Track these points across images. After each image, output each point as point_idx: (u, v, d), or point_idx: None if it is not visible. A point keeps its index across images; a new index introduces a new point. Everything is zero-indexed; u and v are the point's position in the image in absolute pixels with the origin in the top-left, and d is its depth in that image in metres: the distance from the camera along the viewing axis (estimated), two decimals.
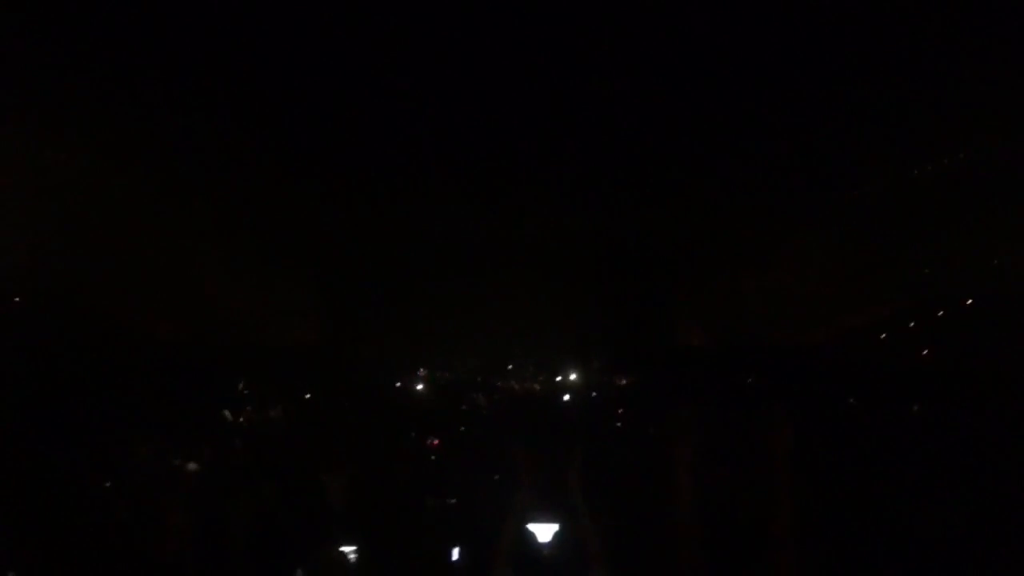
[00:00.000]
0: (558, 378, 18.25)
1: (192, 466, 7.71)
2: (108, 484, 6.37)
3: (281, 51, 10.48)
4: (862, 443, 8.29)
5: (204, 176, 14.81)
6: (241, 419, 11.65)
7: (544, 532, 3.77)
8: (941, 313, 14.99)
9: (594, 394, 16.39)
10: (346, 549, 3.73)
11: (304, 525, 4.66)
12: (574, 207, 17.60)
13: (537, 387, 17.73)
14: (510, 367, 19.45)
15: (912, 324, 15.50)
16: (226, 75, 10.69)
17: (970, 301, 14.47)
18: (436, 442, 7.50)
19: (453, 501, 5.37)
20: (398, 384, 18.19)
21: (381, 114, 12.20)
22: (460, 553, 3.65)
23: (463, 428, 11.09)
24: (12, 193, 11.95)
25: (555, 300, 19.96)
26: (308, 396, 15.54)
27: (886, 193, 15.33)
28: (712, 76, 10.92)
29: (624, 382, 17.43)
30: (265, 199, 16.41)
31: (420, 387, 17.91)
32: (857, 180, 15.44)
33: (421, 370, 18.73)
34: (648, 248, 19.10)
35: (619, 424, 12.03)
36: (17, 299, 12.34)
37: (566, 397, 16.42)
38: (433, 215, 18.59)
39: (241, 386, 14.40)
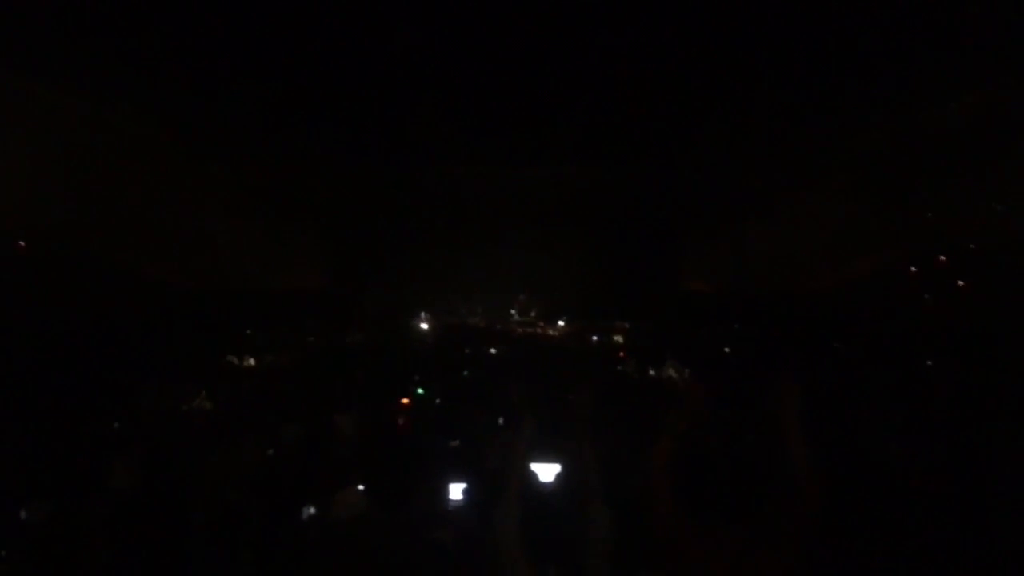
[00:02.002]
0: (561, 322, 18.36)
1: (202, 408, 7.86)
2: (117, 425, 6.51)
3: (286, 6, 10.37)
4: (863, 388, 8.37)
5: (209, 124, 14.74)
6: (251, 362, 11.80)
7: (547, 472, 3.88)
8: (943, 258, 15.00)
9: (595, 338, 16.53)
10: (355, 488, 3.82)
11: (313, 465, 4.76)
12: (578, 153, 17.52)
13: (539, 331, 17.85)
14: (513, 312, 19.54)
15: (914, 270, 15.52)
16: (227, 21, 10.55)
17: (972, 246, 14.47)
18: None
19: (456, 443, 5.46)
20: (401, 328, 18.35)
21: (383, 58, 12.07)
22: (464, 492, 3.75)
23: (466, 372, 11.22)
24: (17, 140, 11.93)
25: (558, 246, 19.99)
26: (312, 339, 15.71)
27: (888, 140, 15.23)
28: (716, 22, 10.77)
29: (626, 326, 17.54)
30: (269, 145, 16.35)
31: (424, 329, 18.07)
32: (860, 128, 15.33)
33: (424, 314, 18.83)
34: (651, 196, 19.05)
35: (620, 367, 12.16)
36: (23, 243, 12.39)
37: (568, 341, 16.58)
38: (438, 161, 18.52)
39: (249, 332, 14.54)
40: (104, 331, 11.76)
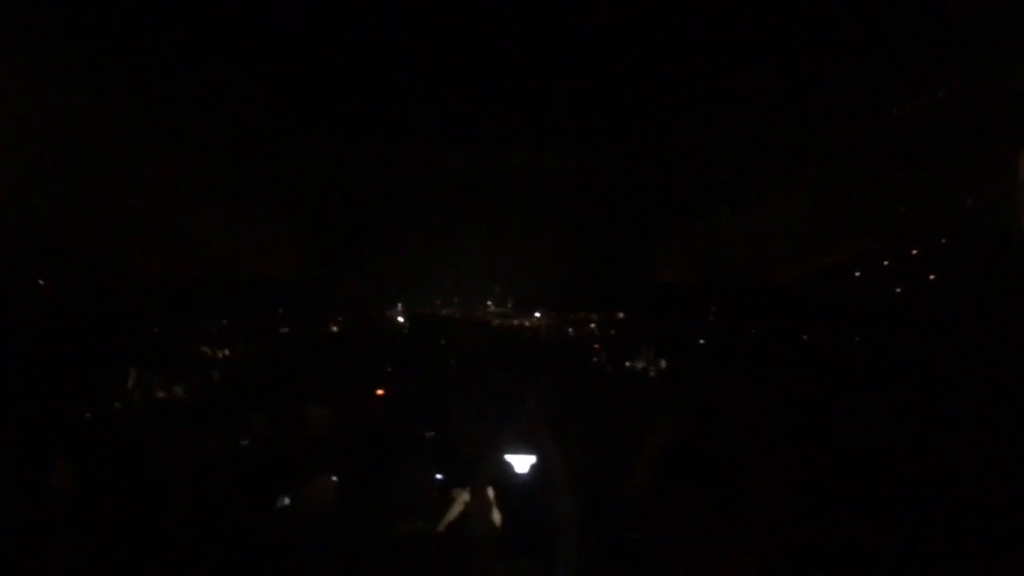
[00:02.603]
0: (537, 314, 18.41)
1: (175, 397, 7.82)
2: (88, 415, 6.46)
3: None
4: (835, 379, 8.48)
5: (181, 109, 14.57)
6: (224, 352, 11.73)
7: (521, 463, 3.89)
8: (915, 252, 15.16)
9: (570, 330, 16.60)
10: (328, 478, 3.82)
11: (286, 455, 4.75)
12: (553, 143, 17.53)
13: (515, 323, 17.89)
14: (489, 304, 19.56)
15: (886, 263, 15.68)
16: (199, 4, 10.42)
17: (944, 240, 14.65)
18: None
19: (432, 434, 5.47)
20: (376, 319, 18.31)
21: (358, 45, 11.98)
22: (440, 482, 3.76)
23: (442, 363, 11.22)
24: None
25: (534, 237, 20.04)
26: (286, 330, 15.63)
27: (861, 132, 15.36)
28: (689, 13, 10.79)
29: (600, 318, 17.63)
30: (244, 133, 16.21)
31: (399, 320, 18.05)
32: (832, 119, 15.44)
33: (399, 305, 18.81)
34: (625, 187, 19.13)
35: (595, 359, 12.23)
36: None
37: (543, 333, 16.62)
38: (413, 150, 18.45)
39: (225, 322, 14.44)
40: (74, 320, 11.63)
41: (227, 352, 11.93)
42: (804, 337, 13.14)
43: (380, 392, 7.55)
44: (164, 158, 15.73)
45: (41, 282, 12.52)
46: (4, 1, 9.88)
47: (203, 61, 12.59)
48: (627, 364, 11.30)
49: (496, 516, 3.24)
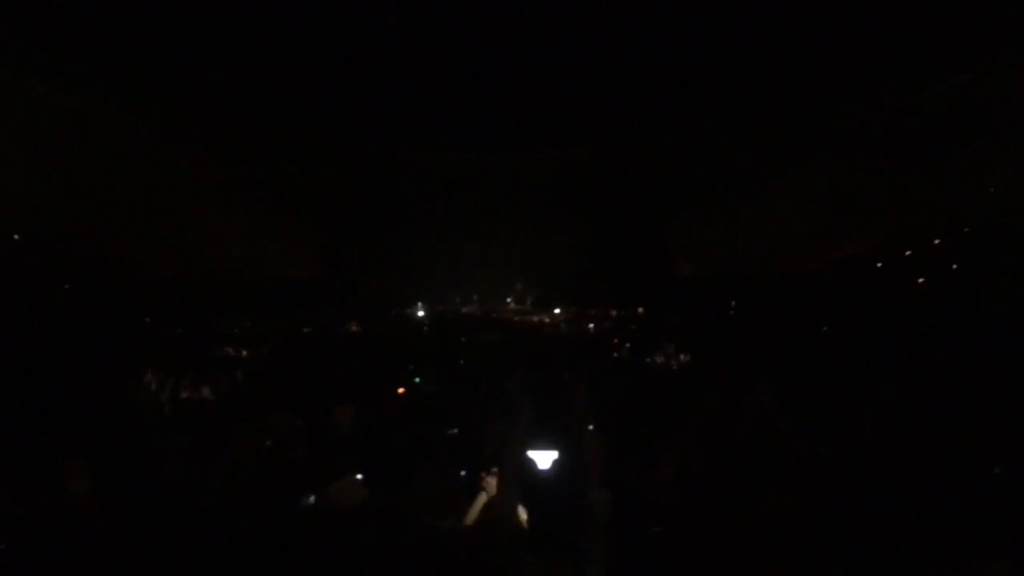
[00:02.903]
0: (557, 310, 18.37)
1: (199, 398, 7.88)
2: (111, 418, 6.52)
3: None
4: (856, 372, 8.41)
5: (197, 112, 14.66)
6: (247, 353, 11.82)
7: (544, 459, 3.90)
8: (937, 241, 15.00)
9: (591, 326, 16.56)
10: (353, 477, 3.84)
11: (310, 455, 4.78)
12: (569, 138, 17.52)
13: (535, 319, 17.87)
14: (509, 301, 19.54)
15: (908, 252, 15.53)
16: (212, 7, 10.49)
17: (967, 229, 14.47)
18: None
19: (455, 431, 5.49)
20: (397, 317, 18.36)
21: (372, 44, 12.02)
22: (463, 480, 3.77)
23: (462, 361, 11.23)
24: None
25: (554, 232, 20.04)
26: (308, 330, 15.71)
27: (881, 119, 15.18)
28: (703, 6, 10.75)
29: (620, 314, 17.58)
30: (260, 135, 16.29)
31: (420, 317, 18.08)
32: (852, 106, 15.29)
33: (419, 303, 18.83)
34: (642, 180, 19.07)
35: (616, 355, 12.20)
36: (17, 236, 12.34)
37: (563, 328, 16.60)
38: (430, 148, 18.50)
39: (248, 323, 14.54)
40: (98, 322, 11.76)
41: (250, 352, 12.02)
42: (824, 329, 13.03)
43: (401, 391, 7.59)
44: (184, 163, 15.85)
45: (67, 286, 12.67)
46: (9, 1, 9.97)
47: (224, 70, 12.70)
48: (648, 359, 11.28)
49: (522, 512, 3.25)
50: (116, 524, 3.60)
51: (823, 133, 16.44)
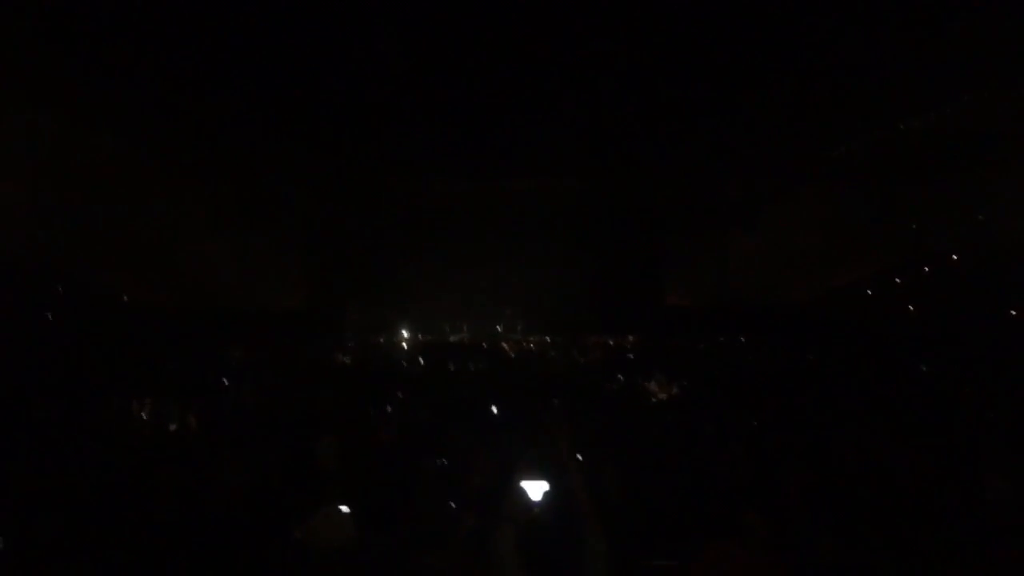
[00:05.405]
0: (547, 338, 18.33)
1: (186, 428, 7.78)
2: (98, 444, 6.42)
3: (264, 17, 10.28)
4: (847, 400, 8.39)
5: (190, 147, 14.70)
6: (235, 383, 11.69)
7: (535, 490, 3.83)
8: (927, 269, 15.09)
9: (581, 357, 16.50)
10: (342, 509, 3.76)
11: (299, 486, 4.70)
12: (562, 166, 17.57)
13: (525, 347, 17.79)
14: (498, 328, 19.50)
15: (898, 280, 15.61)
16: (205, 30, 10.49)
17: (955, 257, 14.57)
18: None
19: (444, 462, 5.41)
20: (384, 346, 18.26)
21: (363, 72, 12.06)
22: (456, 512, 3.70)
23: (451, 390, 11.13)
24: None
25: (543, 260, 20.03)
26: (294, 358, 15.59)
27: (872, 150, 15.33)
28: (696, 34, 10.83)
29: (611, 343, 17.54)
30: (249, 162, 16.30)
31: (406, 349, 17.98)
32: (843, 137, 15.42)
33: (407, 332, 18.77)
34: (635, 208, 19.14)
35: (607, 385, 12.12)
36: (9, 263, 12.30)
37: (554, 357, 16.52)
38: (419, 177, 18.52)
39: (240, 354, 14.44)
40: (83, 351, 11.65)
41: (238, 383, 11.90)
42: (814, 358, 13.04)
43: (390, 421, 7.49)
44: (169, 191, 15.87)
45: (49, 315, 12.60)
46: (12, 29, 9.98)
47: (216, 97, 12.71)
48: (639, 387, 11.20)
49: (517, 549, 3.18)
50: (101, 557, 3.54)
51: (813, 164, 16.58)
